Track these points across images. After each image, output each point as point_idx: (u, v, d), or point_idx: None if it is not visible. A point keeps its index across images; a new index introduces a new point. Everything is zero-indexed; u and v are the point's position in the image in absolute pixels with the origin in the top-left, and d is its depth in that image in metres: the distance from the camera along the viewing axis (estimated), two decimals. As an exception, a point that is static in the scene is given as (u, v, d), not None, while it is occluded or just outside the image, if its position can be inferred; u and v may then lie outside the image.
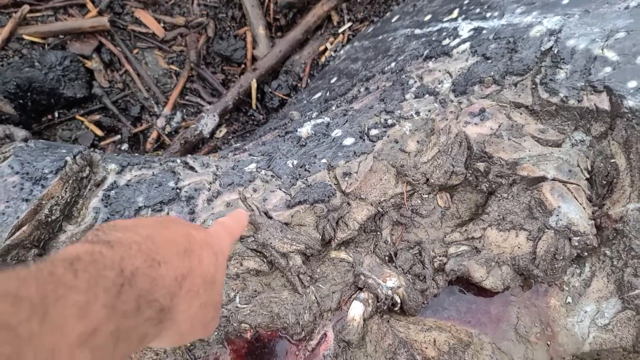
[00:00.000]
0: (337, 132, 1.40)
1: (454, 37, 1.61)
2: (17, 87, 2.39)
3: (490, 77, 1.39)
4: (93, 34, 2.68)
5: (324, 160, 1.31)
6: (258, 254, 1.21)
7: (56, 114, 2.61)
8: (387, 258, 1.28)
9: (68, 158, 1.25)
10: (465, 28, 1.61)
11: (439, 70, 1.52)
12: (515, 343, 1.22)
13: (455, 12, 1.73)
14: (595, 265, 1.25)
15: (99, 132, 2.62)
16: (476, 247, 1.25)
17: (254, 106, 2.76)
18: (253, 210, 1.24)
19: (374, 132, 1.35)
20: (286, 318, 1.15)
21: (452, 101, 1.41)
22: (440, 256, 1.27)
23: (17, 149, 1.25)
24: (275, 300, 1.17)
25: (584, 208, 1.21)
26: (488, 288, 1.22)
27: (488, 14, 1.59)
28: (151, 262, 0.53)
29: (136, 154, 1.93)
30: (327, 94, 1.96)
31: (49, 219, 1.20)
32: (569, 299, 1.24)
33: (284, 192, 1.27)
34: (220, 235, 0.76)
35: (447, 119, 1.36)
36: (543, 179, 1.23)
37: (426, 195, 1.34)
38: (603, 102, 1.25)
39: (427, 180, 1.31)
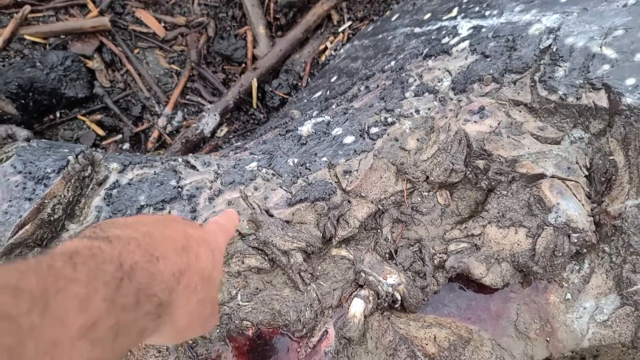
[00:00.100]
0: (337, 131, 1.41)
1: (454, 35, 1.61)
2: (19, 87, 2.40)
3: (490, 75, 1.40)
4: (94, 34, 2.69)
5: (324, 159, 1.32)
6: (259, 251, 1.22)
7: (58, 114, 2.61)
8: (387, 255, 1.29)
9: (70, 157, 1.26)
10: (465, 26, 1.61)
11: (439, 69, 1.52)
12: (515, 339, 1.23)
13: (455, 11, 1.74)
14: (594, 262, 1.26)
15: (101, 132, 2.63)
16: (476, 244, 1.26)
17: (254, 105, 2.77)
18: (254, 209, 1.25)
19: (374, 130, 1.36)
20: (287, 315, 1.16)
21: (451, 99, 1.42)
22: (440, 253, 1.28)
23: (20, 148, 1.26)
24: (276, 298, 1.18)
25: (582, 205, 1.22)
26: (488, 285, 1.23)
27: (487, 13, 1.60)
28: (150, 257, 0.53)
29: (138, 153, 1.94)
30: (328, 92, 1.97)
31: (52, 218, 1.21)
32: (568, 296, 1.25)
33: (285, 190, 1.28)
34: (216, 233, 0.77)
35: (446, 117, 1.36)
36: (542, 176, 1.24)
37: (426, 193, 1.34)
38: (601, 99, 1.26)
39: (427, 178, 1.31)
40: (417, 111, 1.40)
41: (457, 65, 1.50)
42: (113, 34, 2.73)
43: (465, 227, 1.29)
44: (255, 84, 2.69)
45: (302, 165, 1.32)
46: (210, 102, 2.77)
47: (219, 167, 1.38)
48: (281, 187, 1.28)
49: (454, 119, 1.35)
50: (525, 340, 1.22)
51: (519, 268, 1.23)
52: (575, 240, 1.20)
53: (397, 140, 1.33)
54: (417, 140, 1.33)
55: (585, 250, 1.24)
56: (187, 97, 2.80)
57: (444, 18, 1.75)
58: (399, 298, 1.20)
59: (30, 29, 2.60)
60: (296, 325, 1.15)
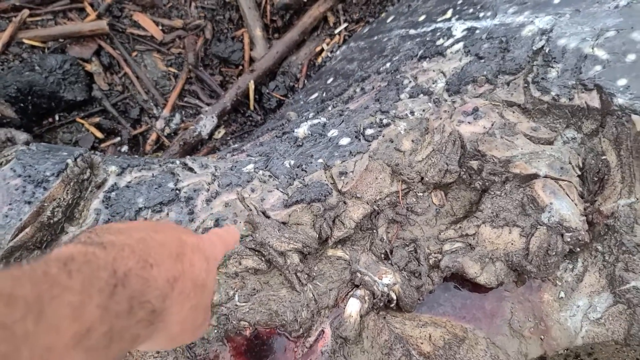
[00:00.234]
0: (333, 132, 1.42)
1: (448, 37, 1.63)
2: (18, 90, 2.41)
3: (483, 76, 1.42)
4: (92, 37, 2.70)
5: (320, 160, 1.34)
6: (256, 252, 1.23)
7: (57, 117, 2.63)
8: (383, 255, 1.30)
9: (69, 160, 1.28)
10: (459, 28, 1.63)
11: (433, 70, 1.54)
12: (510, 337, 1.24)
13: (449, 13, 1.75)
14: (587, 261, 1.28)
15: (99, 135, 2.64)
16: (470, 244, 1.27)
17: (251, 107, 2.78)
18: (251, 210, 1.26)
19: (369, 131, 1.38)
20: (284, 315, 1.17)
21: (445, 100, 1.43)
22: (435, 253, 1.29)
23: (19, 152, 1.28)
24: (273, 298, 1.20)
25: (575, 204, 1.23)
26: (482, 284, 1.24)
27: (481, 14, 1.61)
28: (144, 263, 0.53)
29: (136, 156, 1.96)
30: (324, 94, 1.98)
31: (51, 221, 1.22)
32: (562, 294, 1.27)
33: (282, 191, 1.29)
34: (214, 242, 0.77)
35: (441, 118, 1.38)
36: (535, 176, 1.25)
37: (421, 194, 1.36)
38: (594, 100, 1.27)
39: (422, 178, 1.33)
40: (412, 112, 1.42)
41: (451, 66, 1.51)
42: (111, 37, 2.74)
43: (460, 227, 1.30)
44: (252, 86, 2.70)
45: (298, 167, 1.34)
46: (208, 104, 2.78)
47: (216, 169, 1.39)
48: (277, 189, 1.30)
49: (448, 120, 1.36)
50: (519, 338, 1.24)
51: (513, 267, 1.25)
52: (569, 240, 1.22)
53: (392, 142, 1.34)
54: (412, 141, 1.35)
55: (578, 249, 1.26)
56: (185, 99, 2.81)
57: (439, 20, 1.77)
58: (395, 298, 1.21)
59: (28, 33, 2.61)
60: (293, 325, 1.17)
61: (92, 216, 1.27)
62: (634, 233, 1.21)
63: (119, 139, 2.67)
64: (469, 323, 1.26)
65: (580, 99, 1.29)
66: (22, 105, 2.45)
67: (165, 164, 1.42)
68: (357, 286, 1.23)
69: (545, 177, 1.25)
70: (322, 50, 2.81)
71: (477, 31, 1.56)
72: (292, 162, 1.36)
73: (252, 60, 2.86)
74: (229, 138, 2.72)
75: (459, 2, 1.76)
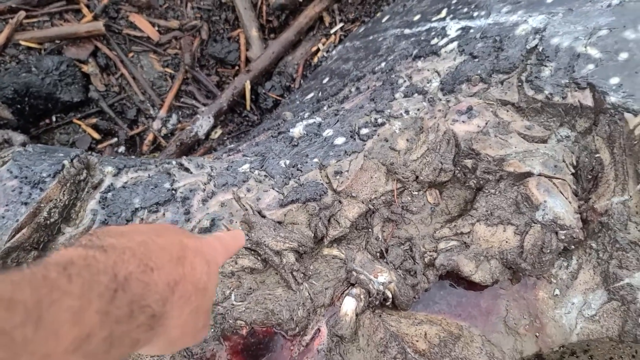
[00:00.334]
0: (328, 132, 1.43)
1: (442, 36, 1.63)
2: (15, 92, 2.41)
3: (478, 75, 1.42)
4: (89, 38, 2.71)
5: (315, 160, 1.34)
6: (252, 252, 1.24)
7: (54, 118, 2.63)
8: (378, 254, 1.31)
9: (65, 162, 1.28)
10: (453, 27, 1.64)
11: (428, 70, 1.54)
12: (505, 335, 1.25)
13: (444, 12, 1.76)
14: (581, 258, 1.29)
15: (96, 136, 2.64)
16: (465, 242, 1.28)
17: (248, 107, 2.79)
18: (247, 210, 1.27)
19: (364, 131, 1.38)
20: (280, 314, 1.18)
21: (440, 100, 1.44)
22: (430, 251, 1.30)
23: (16, 153, 1.28)
24: (269, 297, 1.20)
25: (569, 202, 1.24)
26: (477, 282, 1.25)
27: (475, 14, 1.62)
28: (144, 267, 0.52)
29: (132, 157, 1.96)
30: (320, 94, 1.99)
31: (48, 222, 1.22)
32: (557, 291, 1.27)
33: (277, 191, 1.30)
34: (215, 246, 0.76)
35: (435, 117, 1.39)
36: (529, 174, 1.26)
37: (416, 192, 1.37)
38: (587, 98, 1.28)
39: (417, 177, 1.34)
40: (407, 112, 1.42)
41: (445, 66, 1.52)
42: (107, 38, 2.75)
43: (455, 225, 1.31)
44: (248, 86, 2.71)
45: (293, 167, 1.34)
46: (204, 105, 2.79)
47: (212, 170, 1.40)
48: (273, 189, 1.30)
49: (442, 119, 1.37)
50: (514, 335, 1.25)
51: (508, 265, 1.26)
52: (563, 237, 1.23)
53: (387, 141, 1.35)
54: (407, 140, 1.36)
55: (572, 246, 1.27)
56: (182, 100, 2.82)
57: (433, 19, 1.78)
58: (390, 296, 1.22)
59: (25, 35, 2.61)
60: (289, 324, 1.17)
61: (89, 217, 1.28)
62: (628, 230, 1.22)
63: (116, 139, 2.68)
64: (465, 321, 1.26)
65: (573, 97, 1.29)
66: (18, 106, 2.45)
67: (161, 164, 1.42)
68: (352, 285, 1.24)
69: (539, 175, 1.26)
70: (318, 50, 2.81)
71: (472, 30, 1.56)
72: (288, 161, 1.37)
73: (248, 61, 2.86)
74: (225, 138, 2.73)
75: (454, 1, 1.77)
